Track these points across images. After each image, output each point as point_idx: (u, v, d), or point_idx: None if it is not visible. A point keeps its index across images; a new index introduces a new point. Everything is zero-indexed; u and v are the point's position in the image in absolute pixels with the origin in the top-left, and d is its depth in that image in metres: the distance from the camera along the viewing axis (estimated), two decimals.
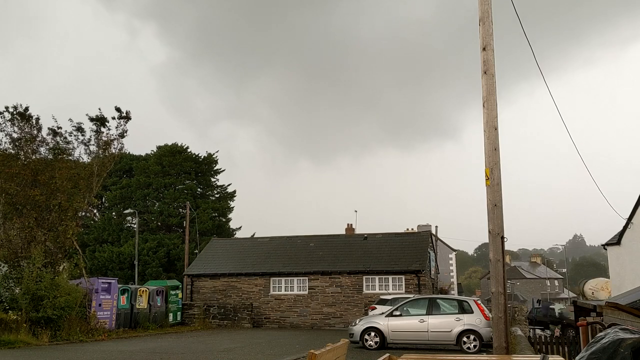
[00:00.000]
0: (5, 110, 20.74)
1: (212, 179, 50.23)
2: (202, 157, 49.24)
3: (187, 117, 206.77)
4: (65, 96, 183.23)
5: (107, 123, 21.98)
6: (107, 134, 22.05)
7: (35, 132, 21.16)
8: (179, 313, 28.33)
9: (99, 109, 22.15)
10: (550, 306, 38.54)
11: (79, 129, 21.67)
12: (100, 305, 21.84)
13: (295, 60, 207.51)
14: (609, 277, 33.03)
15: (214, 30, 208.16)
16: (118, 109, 22.05)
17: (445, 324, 16.77)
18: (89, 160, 22.04)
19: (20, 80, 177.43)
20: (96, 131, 21.93)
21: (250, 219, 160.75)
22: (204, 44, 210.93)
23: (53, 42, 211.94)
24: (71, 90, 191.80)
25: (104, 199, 48.90)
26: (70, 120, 21.90)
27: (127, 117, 22.22)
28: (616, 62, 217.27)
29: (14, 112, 20.79)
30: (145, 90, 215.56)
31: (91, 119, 21.91)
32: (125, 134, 22.32)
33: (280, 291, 30.12)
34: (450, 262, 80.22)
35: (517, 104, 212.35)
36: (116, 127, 22.09)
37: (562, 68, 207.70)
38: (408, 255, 29.49)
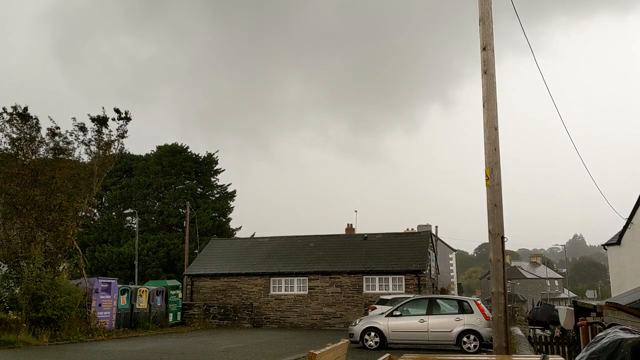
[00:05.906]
0: (3, 111, 20.71)
1: (212, 179, 50.29)
2: (202, 157, 49.32)
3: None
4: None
5: (108, 124, 21.96)
6: (108, 134, 22.04)
7: (34, 133, 21.11)
8: (179, 313, 28.32)
9: (103, 107, 22.08)
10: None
11: (82, 128, 21.65)
12: (100, 305, 21.84)
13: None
14: (609, 277, 32.99)
15: None
16: (117, 110, 22.02)
17: (445, 324, 16.77)
18: (89, 160, 22.01)
19: None
20: (97, 131, 21.91)
21: (248, 215, 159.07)
22: None
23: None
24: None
25: (104, 199, 48.91)
26: (74, 119, 21.90)
27: (127, 118, 22.18)
28: (623, 58, 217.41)
29: (13, 113, 20.74)
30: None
31: (92, 119, 21.89)
32: (125, 135, 22.31)
33: (280, 291, 30.10)
34: (450, 262, 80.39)
35: (518, 102, 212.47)
36: (117, 129, 22.09)
37: (562, 64, 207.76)
38: (408, 255, 29.48)
